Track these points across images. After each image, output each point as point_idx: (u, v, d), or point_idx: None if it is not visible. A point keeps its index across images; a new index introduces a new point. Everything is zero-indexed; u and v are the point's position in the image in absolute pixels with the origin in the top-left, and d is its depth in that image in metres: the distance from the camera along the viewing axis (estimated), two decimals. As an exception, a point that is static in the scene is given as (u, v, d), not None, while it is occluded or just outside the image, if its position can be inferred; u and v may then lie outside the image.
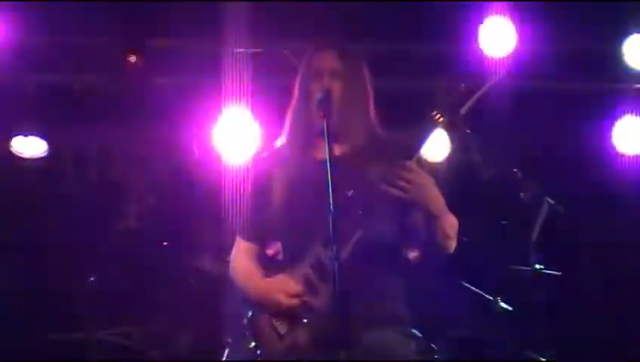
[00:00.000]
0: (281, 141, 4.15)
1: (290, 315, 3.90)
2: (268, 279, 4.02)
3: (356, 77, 4.06)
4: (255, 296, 4.07)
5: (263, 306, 3.98)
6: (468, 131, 6.40)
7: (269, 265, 4.16)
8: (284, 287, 3.92)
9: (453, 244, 3.95)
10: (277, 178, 4.06)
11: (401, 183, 3.76)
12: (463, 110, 3.88)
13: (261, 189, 4.11)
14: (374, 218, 3.84)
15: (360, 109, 4.05)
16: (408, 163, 3.78)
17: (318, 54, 4.07)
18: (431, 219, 3.85)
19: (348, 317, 3.65)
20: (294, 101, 4.12)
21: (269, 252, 4.26)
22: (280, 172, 4.07)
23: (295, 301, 3.88)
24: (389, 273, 3.97)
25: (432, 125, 3.86)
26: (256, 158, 4.36)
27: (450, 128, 3.89)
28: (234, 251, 4.20)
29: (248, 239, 4.17)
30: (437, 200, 3.85)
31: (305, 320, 3.86)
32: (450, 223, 3.92)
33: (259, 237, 4.15)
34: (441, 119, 3.85)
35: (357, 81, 4.05)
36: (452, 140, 6.57)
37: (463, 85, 3.92)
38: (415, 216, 3.91)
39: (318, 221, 3.75)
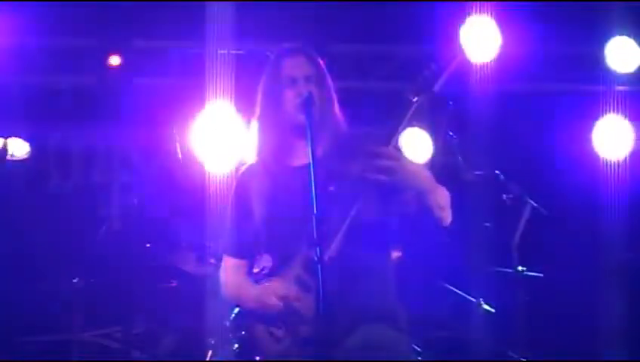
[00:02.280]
0: (255, 150, 4.16)
1: (285, 318, 3.92)
2: (260, 286, 4.05)
3: (324, 80, 4.08)
4: (250, 305, 4.09)
5: (260, 312, 4.00)
6: (450, 133, 6.43)
7: (259, 275, 4.20)
8: (276, 291, 3.93)
9: (448, 216, 3.93)
10: (257, 190, 4.08)
11: (386, 168, 3.78)
12: (436, 87, 3.90)
13: (242, 205, 4.12)
14: (359, 211, 3.87)
15: (330, 111, 4.08)
16: (387, 148, 3.81)
17: (290, 61, 4.08)
18: (422, 194, 3.86)
19: (340, 316, 3.69)
20: (263, 109, 4.12)
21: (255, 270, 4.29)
22: (259, 183, 4.08)
23: (288, 302, 3.90)
24: (378, 267, 3.98)
25: (409, 107, 3.89)
26: (235, 174, 4.34)
27: (426, 108, 3.92)
28: (222, 269, 4.22)
29: (235, 256, 4.18)
30: (425, 175, 3.88)
31: (300, 322, 3.88)
32: (442, 194, 3.92)
33: (245, 252, 4.17)
34: (416, 99, 3.89)
35: (325, 84, 4.08)
36: (435, 142, 6.61)
37: (433, 64, 3.95)
38: (405, 195, 3.91)
39: (303, 223, 3.76)
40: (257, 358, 4.17)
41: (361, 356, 3.84)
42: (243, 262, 4.18)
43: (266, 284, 4.01)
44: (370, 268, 3.94)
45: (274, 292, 3.94)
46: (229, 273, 4.19)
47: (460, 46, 6.18)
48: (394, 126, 3.88)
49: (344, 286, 3.76)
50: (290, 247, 3.94)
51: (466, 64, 6.11)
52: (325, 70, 4.10)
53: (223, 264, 4.23)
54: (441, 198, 3.90)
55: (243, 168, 4.22)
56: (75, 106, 6.96)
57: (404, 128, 3.89)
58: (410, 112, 3.89)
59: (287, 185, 3.98)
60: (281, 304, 3.91)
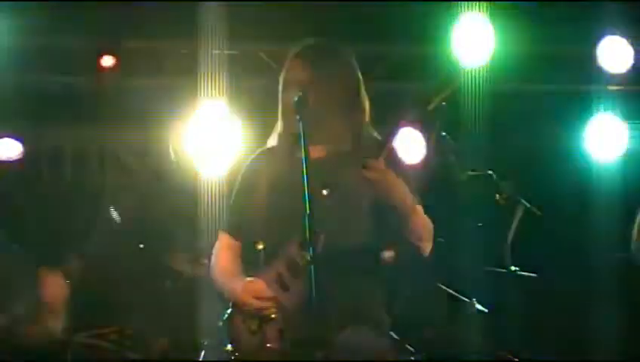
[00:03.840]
0: (272, 140, 4.22)
1: (260, 314, 3.96)
2: (241, 281, 4.07)
3: (334, 83, 4.09)
4: (228, 296, 4.14)
5: (236, 306, 4.05)
6: (443, 134, 6.43)
7: (248, 262, 4.22)
8: (254, 289, 3.98)
9: (427, 246, 3.99)
10: (264, 177, 4.13)
11: (370, 181, 3.80)
12: (431, 106, 3.93)
13: (248, 188, 4.16)
14: (349, 217, 3.87)
15: (330, 114, 4.08)
16: (376, 161, 3.82)
17: (289, 63, 4.13)
18: (403, 218, 3.88)
19: (320, 316, 3.68)
20: (280, 103, 4.19)
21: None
22: (268, 171, 4.13)
23: (264, 303, 3.95)
24: (364, 272, 4.01)
25: (402, 121, 3.91)
26: (248, 158, 4.37)
27: (419, 123, 3.95)
28: (216, 246, 4.27)
29: (232, 234, 4.22)
30: (405, 198, 3.90)
31: (274, 318, 3.93)
32: (424, 224, 3.97)
33: (242, 233, 4.20)
34: (410, 115, 3.91)
35: (325, 89, 4.08)
36: (428, 142, 6.60)
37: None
38: (391, 216, 3.94)
39: (294, 220, 3.79)
40: (229, 346, 4.17)
41: (341, 357, 3.85)
42: (237, 243, 4.22)
43: (247, 281, 4.04)
44: (353, 275, 3.97)
45: (252, 291, 3.98)
46: (222, 253, 4.24)
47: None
48: (386, 138, 3.90)
49: (324, 289, 3.77)
50: (279, 243, 3.99)
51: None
52: (336, 71, 4.11)
53: (218, 241, 4.27)
54: (422, 227, 3.97)
55: (258, 151, 4.26)
56: (68, 107, 6.95)
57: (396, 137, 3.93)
58: (405, 126, 3.92)
59: (290, 178, 3.99)
60: (258, 305, 3.95)
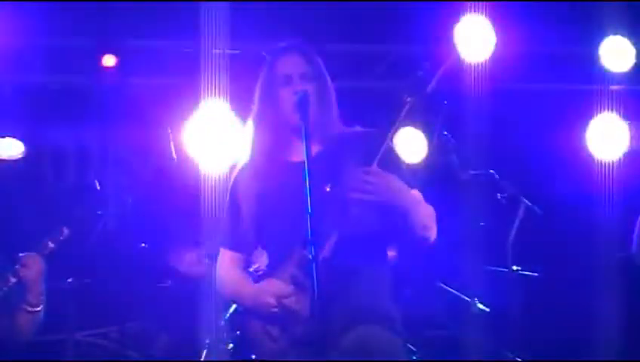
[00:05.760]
0: (252, 148, 4.16)
1: (281, 317, 3.91)
2: (257, 284, 4.04)
3: (321, 78, 4.08)
4: (246, 302, 4.08)
5: (255, 310, 3.99)
6: (445, 133, 6.44)
7: (256, 272, 4.20)
8: (272, 289, 3.93)
9: (432, 234, 3.94)
10: (253, 189, 4.08)
11: (366, 188, 3.79)
12: (429, 88, 3.91)
13: (238, 204, 4.12)
14: (355, 210, 3.86)
15: (327, 109, 4.07)
16: (369, 168, 3.81)
17: (284, 59, 4.08)
18: (405, 214, 3.87)
19: (334, 316, 3.70)
20: (259, 108, 4.11)
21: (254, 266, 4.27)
22: (255, 182, 4.08)
23: (285, 301, 3.89)
24: (374, 269, 3.98)
25: (401, 108, 3.90)
26: (232, 171, 4.32)
27: (420, 107, 3.93)
28: (219, 262, 4.20)
29: (232, 249, 4.17)
30: (404, 196, 3.87)
31: (295, 321, 3.88)
32: (425, 213, 3.93)
33: (242, 246, 4.16)
34: (410, 99, 3.89)
35: (322, 82, 4.07)
36: (429, 141, 6.61)
37: (427, 64, 3.96)
38: (392, 214, 3.93)
39: (299, 221, 3.75)
40: (253, 356, 4.16)
41: (355, 357, 3.84)
42: (240, 256, 4.17)
43: (263, 283, 4.01)
44: (364, 270, 3.94)
45: (270, 291, 3.93)
46: (226, 267, 4.17)
47: (453, 46, 6.19)
48: (387, 126, 3.88)
49: (338, 286, 3.76)
50: (285, 246, 3.94)
51: (459, 64, 6.12)
52: (322, 68, 4.10)
53: (219, 257, 4.21)
54: (424, 217, 3.91)
55: (238, 167, 4.22)
56: (70, 106, 6.95)
57: (398, 128, 3.91)
58: (404, 113, 3.90)
59: (283, 182, 3.98)
60: (278, 303, 3.91)
